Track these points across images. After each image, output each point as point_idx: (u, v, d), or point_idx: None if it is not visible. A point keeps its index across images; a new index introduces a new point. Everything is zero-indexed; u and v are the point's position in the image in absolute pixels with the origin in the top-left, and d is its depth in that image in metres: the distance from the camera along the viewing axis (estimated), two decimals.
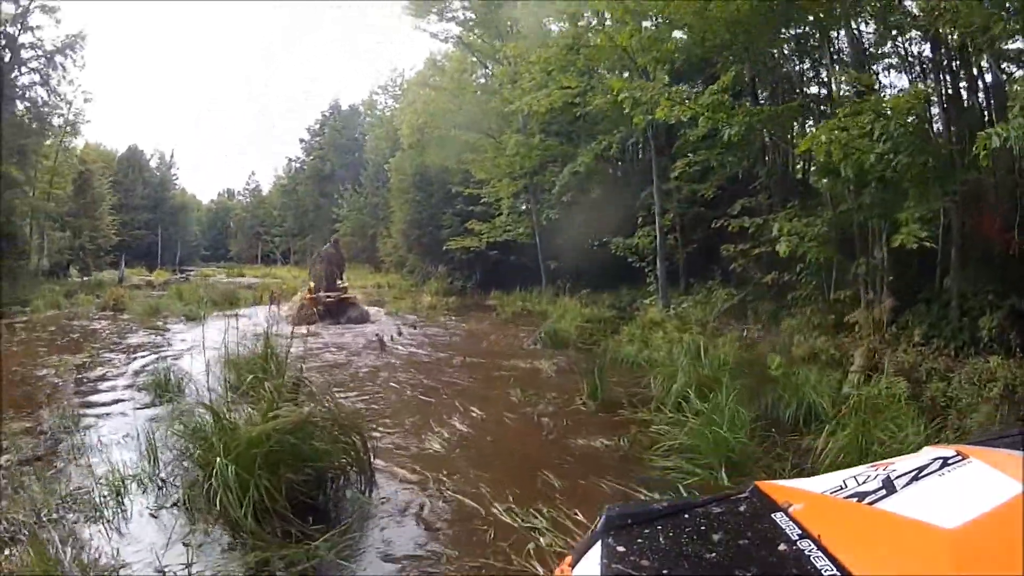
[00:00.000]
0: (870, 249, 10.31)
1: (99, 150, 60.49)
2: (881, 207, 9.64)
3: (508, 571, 4.43)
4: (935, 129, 10.89)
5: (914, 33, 11.48)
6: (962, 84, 10.88)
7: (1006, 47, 10.37)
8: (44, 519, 4.61)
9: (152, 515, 4.79)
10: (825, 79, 13.47)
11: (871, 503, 1.54)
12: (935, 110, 11.08)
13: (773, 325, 11.86)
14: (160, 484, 5.15)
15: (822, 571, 1.32)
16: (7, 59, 26.95)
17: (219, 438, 4.78)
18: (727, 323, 12.84)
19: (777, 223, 10.83)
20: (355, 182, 47.84)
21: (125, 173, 64.29)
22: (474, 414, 8.00)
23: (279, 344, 7.81)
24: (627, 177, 22.74)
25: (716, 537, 1.60)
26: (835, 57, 12.27)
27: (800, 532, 1.48)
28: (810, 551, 1.39)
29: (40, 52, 29.51)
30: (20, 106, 28.92)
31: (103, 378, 9.93)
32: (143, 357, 11.60)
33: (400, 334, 15.81)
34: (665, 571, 1.51)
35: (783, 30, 13.04)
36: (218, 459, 4.52)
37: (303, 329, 15.74)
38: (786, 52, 13.78)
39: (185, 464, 5.08)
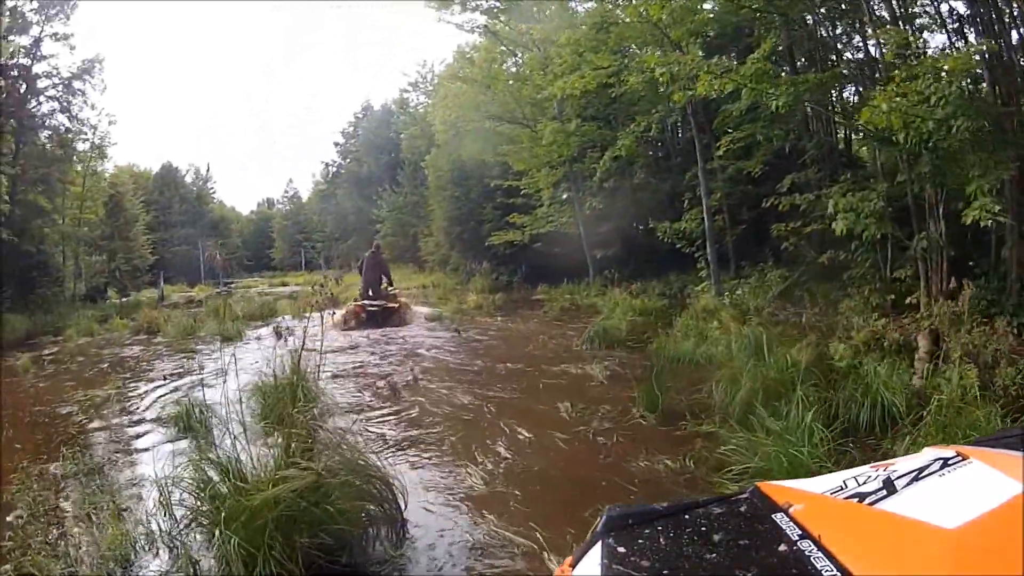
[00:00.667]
0: (927, 223, 9.75)
1: (132, 171, 62.42)
2: (939, 176, 9.15)
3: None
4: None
5: None
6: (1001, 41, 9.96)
7: None
8: None
9: None
10: (860, 43, 12.80)
11: (871, 503, 1.56)
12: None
13: (829, 307, 11.11)
14: (171, 545, 4.74)
15: (822, 571, 1.34)
16: (23, 90, 27.54)
17: (224, 501, 4.43)
18: (782, 307, 12.18)
19: (832, 199, 10.25)
20: (393, 182, 47.96)
21: (161, 191, 65.88)
22: (521, 436, 7.48)
23: (309, 362, 7.60)
24: (667, 159, 22.52)
25: (717, 538, 1.63)
26: (873, 18, 11.47)
27: (800, 532, 1.50)
28: (810, 551, 1.42)
29: (57, 80, 29.91)
30: (42, 136, 29.56)
31: (127, 411, 9.69)
32: (170, 386, 11.27)
33: (459, 332, 16.16)
34: (665, 571, 1.53)
35: None
36: (218, 530, 4.21)
37: (342, 339, 15.84)
38: (820, 16, 13.13)
39: (195, 525, 4.67)
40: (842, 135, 14.94)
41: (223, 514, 4.25)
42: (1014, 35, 10.23)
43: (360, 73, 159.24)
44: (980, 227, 8.67)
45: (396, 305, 19.40)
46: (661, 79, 11.63)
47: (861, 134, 12.74)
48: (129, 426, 8.74)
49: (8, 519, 5.51)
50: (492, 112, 25.50)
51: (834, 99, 13.68)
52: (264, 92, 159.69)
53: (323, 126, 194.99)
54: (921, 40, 11.26)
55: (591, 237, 23.36)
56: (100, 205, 35.91)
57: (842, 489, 1.70)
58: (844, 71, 12.43)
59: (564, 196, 24.76)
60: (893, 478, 1.66)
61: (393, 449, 7.03)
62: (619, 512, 1.75)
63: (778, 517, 1.60)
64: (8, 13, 26.42)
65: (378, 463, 5.10)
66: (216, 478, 4.59)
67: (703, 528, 1.67)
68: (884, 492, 1.59)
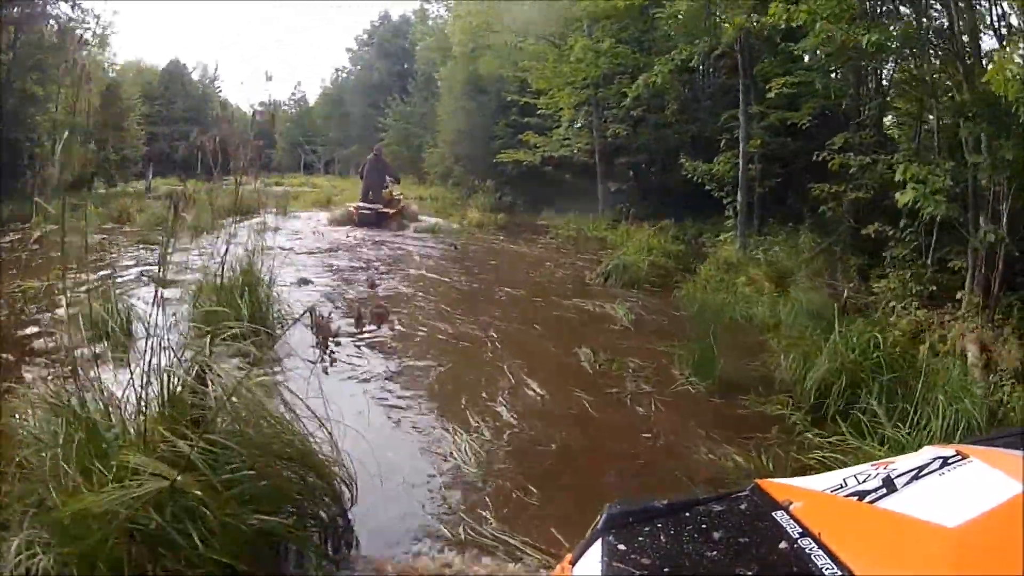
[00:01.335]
0: (987, 215, 8.77)
1: (139, 66, 62.62)
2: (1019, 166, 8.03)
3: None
4: None
5: None
6: None
7: None
8: None
9: None
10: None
11: (872, 502, 1.55)
12: None
13: (862, 283, 10.42)
14: None
15: (823, 569, 1.32)
16: None
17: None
18: (813, 275, 10.97)
19: (902, 165, 9.03)
20: (402, 91, 46.99)
21: (166, 87, 64.54)
22: (531, 391, 5.86)
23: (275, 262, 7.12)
24: (696, 101, 21.33)
25: (717, 535, 1.61)
26: None
27: (801, 530, 1.48)
28: (811, 549, 1.40)
29: None
30: (43, 25, 28.71)
31: (52, 306, 7.81)
32: (116, 282, 9.81)
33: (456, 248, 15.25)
34: (666, 569, 1.52)
35: None
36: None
37: (325, 240, 14.61)
38: None
39: None
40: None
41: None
42: None
43: None
44: None
45: (392, 210, 19.28)
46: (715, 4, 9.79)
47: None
48: (40, 326, 7.28)
49: None
50: (517, 26, 24.25)
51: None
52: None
53: (338, 32, 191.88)
54: None
55: (606, 169, 22.49)
56: (96, 94, 34.18)
57: (842, 487, 1.68)
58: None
59: (581, 122, 23.92)
60: (893, 476, 1.64)
61: (350, 399, 5.26)
62: (619, 509, 1.72)
63: (778, 515, 1.58)
64: None
65: (318, 427, 3.57)
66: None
67: (703, 526, 1.65)
68: (884, 490, 1.58)
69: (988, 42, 9.55)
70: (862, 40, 9.35)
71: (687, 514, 1.72)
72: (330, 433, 3.50)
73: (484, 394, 5.64)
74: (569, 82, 21.87)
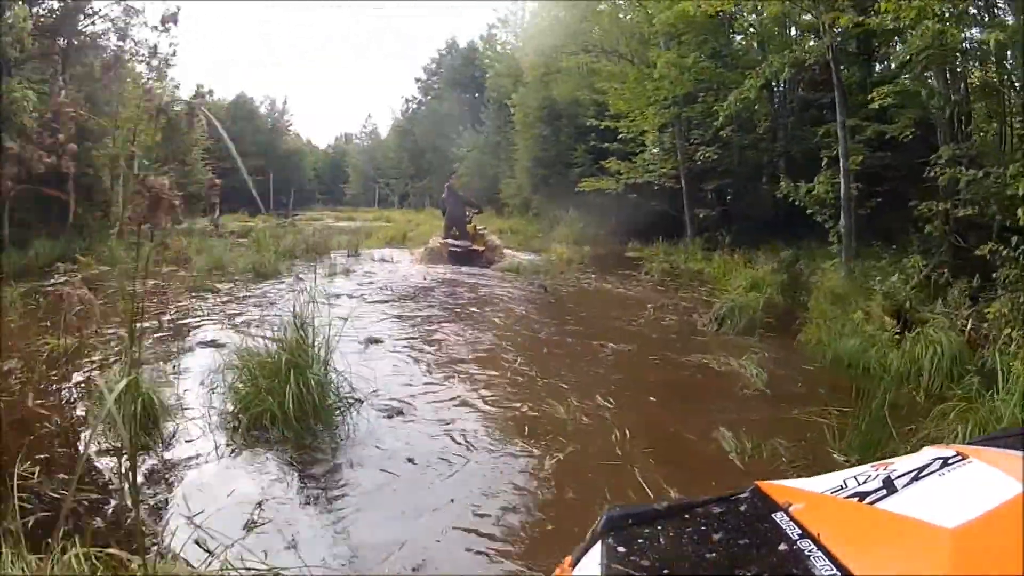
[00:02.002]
0: None
1: (205, 100, 59.87)
2: None
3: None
4: None
5: None
6: None
7: None
8: None
9: None
10: None
11: (871, 503, 1.57)
12: None
13: (973, 309, 9.09)
14: None
15: (822, 571, 1.34)
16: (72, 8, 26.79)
17: None
18: (923, 302, 9.96)
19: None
20: (475, 120, 47.25)
21: (234, 121, 66.14)
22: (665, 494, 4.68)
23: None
24: (778, 115, 20.37)
25: (716, 537, 1.64)
26: None
27: (800, 532, 1.50)
28: (810, 551, 1.42)
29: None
30: (90, 56, 28.51)
31: (65, 376, 7.31)
32: (148, 345, 8.72)
33: (546, 290, 14.26)
34: (665, 571, 1.56)
35: None
36: None
37: (404, 282, 14.02)
38: None
39: None
40: None
41: None
42: None
43: (447, 8, 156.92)
44: None
45: (482, 247, 19.11)
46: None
47: None
48: (49, 399, 6.50)
49: None
50: (592, 44, 23.97)
51: None
52: (349, 27, 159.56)
53: (406, 62, 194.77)
54: None
55: (693, 193, 21.80)
56: (156, 128, 33.99)
57: (842, 488, 1.70)
58: None
59: (668, 144, 22.89)
60: (893, 477, 1.65)
61: (432, 518, 4.41)
62: (619, 512, 1.76)
63: (778, 516, 1.60)
64: None
65: None
66: None
67: (703, 528, 1.68)
68: (884, 491, 1.58)
69: None
70: (988, 39, 8.96)
71: (687, 516, 1.74)
72: None
73: (602, 500, 4.44)
74: (652, 102, 21.24)
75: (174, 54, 35.07)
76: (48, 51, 25.30)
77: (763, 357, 8.28)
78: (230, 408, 5.70)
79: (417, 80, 67.98)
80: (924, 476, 1.62)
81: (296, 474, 4.81)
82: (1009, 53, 10.46)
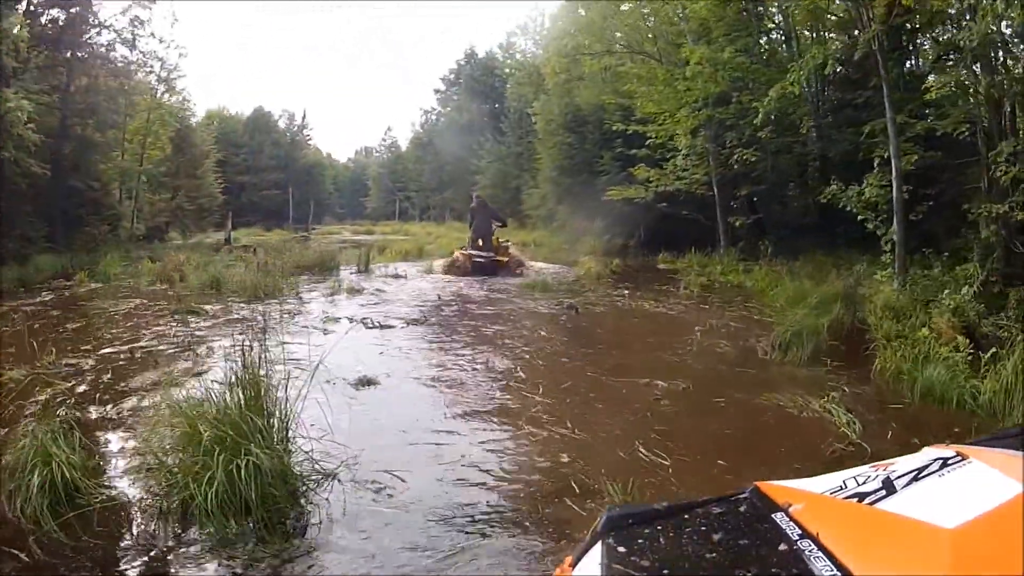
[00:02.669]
0: None
1: (222, 114, 66.47)
2: None
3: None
4: None
5: None
6: None
7: None
8: None
9: None
10: None
11: (871, 503, 1.57)
12: None
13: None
14: None
15: (822, 571, 1.34)
16: (77, 20, 26.75)
17: None
18: (982, 314, 9.27)
19: None
20: (495, 131, 46.94)
21: (251, 135, 68.87)
22: None
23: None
24: (812, 115, 19.17)
25: (716, 537, 1.63)
26: None
27: (800, 532, 1.50)
28: (810, 551, 1.42)
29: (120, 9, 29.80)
30: (96, 66, 28.52)
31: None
32: (103, 376, 7.96)
33: (576, 311, 12.72)
34: (665, 571, 1.56)
35: None
36: None
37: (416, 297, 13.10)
38: None
39: None
40: None
41: None
42: None
43: (465, 16, 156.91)
44: None
45: (506, 258, 19.22)
46: None
47: None
48: None
49: None
50: (617, 44, 23.20)
51: None
52: (366, 37, 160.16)
53: (425, 72, 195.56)
54: None
55: (726, 200, 21.02)
56: (166, 141, 33.48)
57: (842, 489, 1.70)
58: None
59: (699, 148, 21.65)
60: (892, 478, 1.65)
61: None
62: (619, 512, 1.76)
63: (778, 517, 1.59)
64: None
65: None
66: None
67: (703, 528, 1.68)
68: (884, 492, 1.59)
69: None
70: None
71: (686, 516, 1.74)
72: None
73: None
74: (684, 103, 20.36)
75: (177, 66, 35.49)
76: (53, 62, 24.83)
77: (844, 395, 6.83)
78: (157, 487, 4.58)
79: (436, 91, 68.55)
80: (924, 476, 1.62)
81: None
82: None
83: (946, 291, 10.62)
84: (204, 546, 3.99)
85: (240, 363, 4.61)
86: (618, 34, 23.32)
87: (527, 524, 4.26)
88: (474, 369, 8.44)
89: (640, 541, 1.62)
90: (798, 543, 1.43)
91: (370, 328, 11.06)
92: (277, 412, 4.63)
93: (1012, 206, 10.15)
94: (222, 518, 4.05)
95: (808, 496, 1.67)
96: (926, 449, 1.86)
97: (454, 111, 62.26)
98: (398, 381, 7.77)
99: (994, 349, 7.30)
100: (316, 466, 4.65)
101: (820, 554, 1.36)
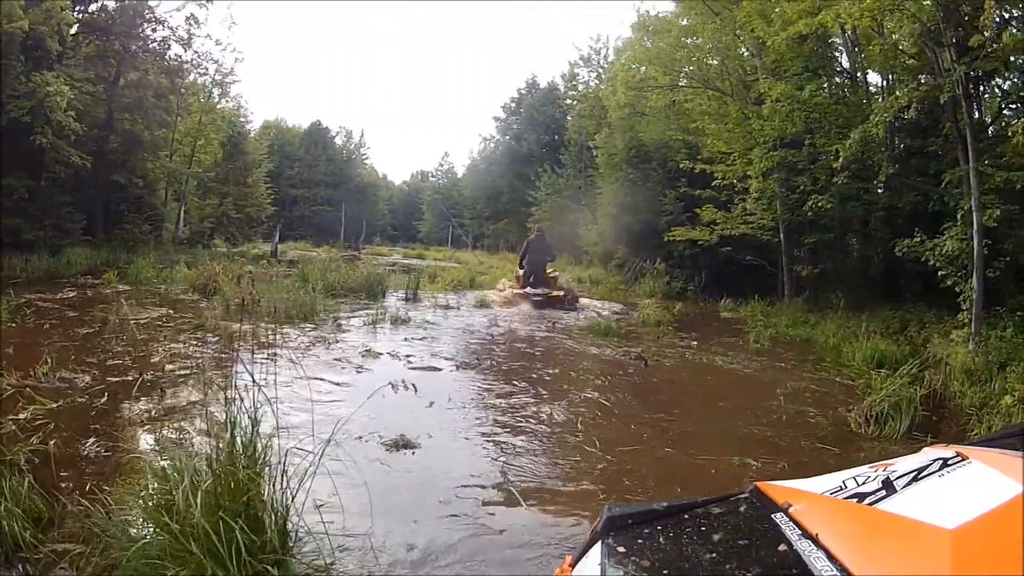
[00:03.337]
0: None
1: (279, 125, 68.07)
2: None
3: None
4: None
5: None
6: None
7: None
8: None
9: None
10: None
11: (871, 503, 1.58)
12: None
13: None
14: None
15: (822, 571, 1.36)
16: (132, 14, 26.99)
17: None
18: None
19: None
20: (554, 162, 46.21)
21: (307, 148, 70.14)
22: None
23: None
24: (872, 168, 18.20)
25: (716, 537, 1.67)
26: None
27: (800, 532, 1.53)
28: (810, 551, 1.44)
29: (176, 5, 32.10)
30: (148, 62, 28.55)
31: None
32: (97, 400, 7.06)
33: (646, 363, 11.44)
34: (665, 571, 1.58)
35: None
36: None
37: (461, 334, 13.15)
38: None
39: None
40: None
41: None
42: None
43: (528, 46, 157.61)
44: None
45: (561, 293, 18.96)
46: None
47: None
48: None
49: None
50: (688, 75, 22.43)
51: None
52: (429, 63, 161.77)
53: (485, 100, 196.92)
54: None
55: (792, 248, 20.50)
56: (217, 146, 33.31)
57: (841, 489, 1.71)
58: None
59: (769, 192, 20.76)
60: (892, 478, 1.67)
61: None
62: (619, 512, 1.78)
63: (778, 517, 1.62)
64: None
65: None
66: None
67: (703, 528, 1.71)
68: (883, 492, 1.60)
69: None
70: None
71: (686, 516, 1.76)
72: None
73: None
74: (757, 143, 19.59)
75: (233, 70, 36.49)
76: (105, 52, 25.47)
77: None
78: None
79: (495, 119, 67.48)
80: (924, 477, 1.63)
81: None
82: None
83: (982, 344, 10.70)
84: None
85: (220, 441, 3.81)
86: (688, 68, 22.68)
87: None
88: (531, 430, 7.44)
89: (640, 541, 1.66)
90: (798, 543, 1.46)
91: (413, 369, 10.01)
92: (270, 507, 3.69)
93: None
94: None
95: (808, 496, 1.71)
96: (926, 449, 1.88)
97: (513, 140, 61.87)
98: (442, 441, 6.71)
99: None
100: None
101: (820, 554, 1.39)
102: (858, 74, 19.31)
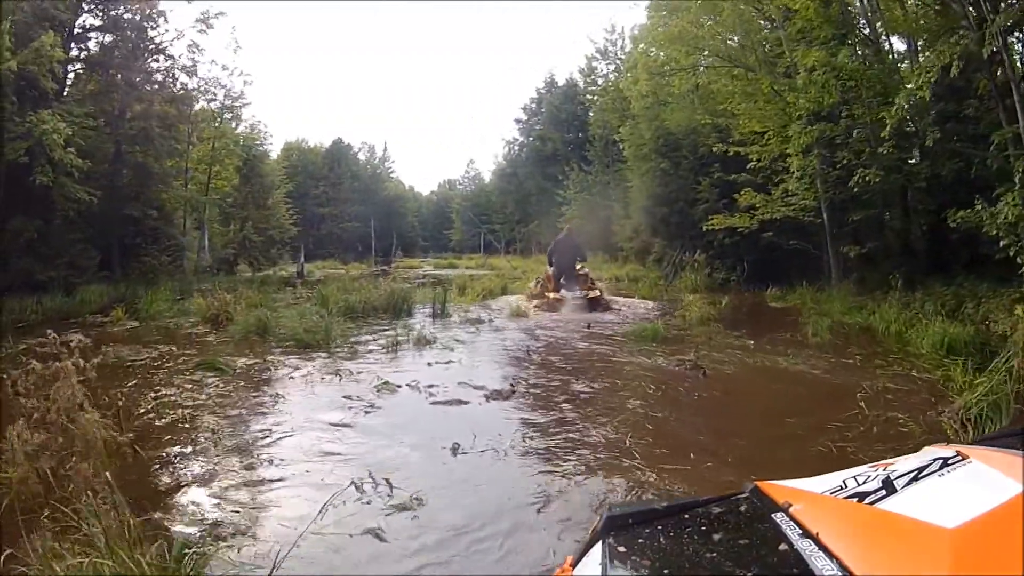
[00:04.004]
0: None
1: (300, 146, 68.14)
2: None
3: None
4: None
5: None
6: None
7: None
8: None
9: None
10: None
11: (871, 503, 1.56)
12: None
13: None
14: None
15: (823, 571, 1.34)
16: (131, 47, 26.31)
17: None
18: None
19: None
20: (581, 160, 46.16)
21: (330, 167, 70.57)
22: None
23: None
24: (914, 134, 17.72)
25: (717, 537, 1.64)
26: None
27: (800, 532, 1.50)
28: (810, 551, 1.41)
29: (175, 34, 28.96)
30: (149, 90, 28.01)
31: None
32: (46, 464, 5.36)
33: (704, 373, 10.01)
34: (666, 571, 1.58)
35: None
36: None
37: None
38: None
39: None
40: None
41: None
42: None
43: (544, 45, 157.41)
44: None
45: (597, 292, 18.36)
46: None
47: None
48: None
49: None
50: (711, 53, 21.53)
51: None
52: (446, 68, 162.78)
53: (506, 103, 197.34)
54: None
55: (838, 227, 19.37)
56: (232, 171, 32.88)
57: (842, 488, 1.69)
58: None
59: (809, 170, 19.68)
60: (893, 478, 1.64)
61: None
62: (619, 512, 1.75)
63: (778, 516, 1.58)
64: None
65: None
66: None
67: (703, 527, 1.68)
68: (884, 491, 1.58)
69: None
70: None
71: (687, 516, 1.73)
72: None
73: None
74: (793, 118, 18.58)
75: (243, 94, 35.52)
76: (105, 88, 25.22)
77: None
78: None
79: (517, 121, 67.23)
80: (924, 476, 1.62)
81: None
82: None
83: None
84: None
85: None
86: (711, 45, 21.68)
87: None
88: (577, 472, 5.83)
89: (640, 541, 1.64)
90: (798, 543, 1.44)
91: (435, 403, 8.45)
92: None
93: None
94: None
95: (808, 496, 1.68)
96: (926, 449, 1.87)
97: (537, 140, 61.75)
98: (453, 501, 5.19)
99: None
100: None
101: (820, 554, 1.36)
102: (881, 39, 18.61)
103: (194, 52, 30.13)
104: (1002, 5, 11.33)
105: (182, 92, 30.16)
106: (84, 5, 24.91)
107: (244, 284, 24.09)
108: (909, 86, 14.78)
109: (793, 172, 19.47)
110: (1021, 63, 13.68)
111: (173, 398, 8.68)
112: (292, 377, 10.00)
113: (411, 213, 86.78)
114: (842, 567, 1.30)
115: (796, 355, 11.52)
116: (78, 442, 5.05)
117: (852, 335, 13.45)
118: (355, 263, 50.65)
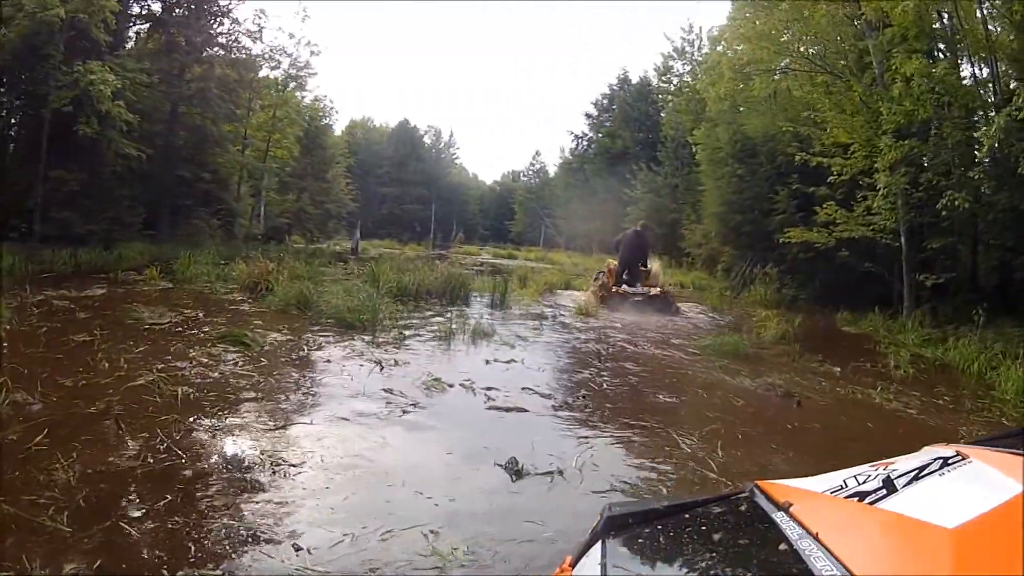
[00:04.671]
0: None
1: (365, 124, 70.00)
2: None
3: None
4: None
5: None
6: None
7: None
8: None
9: None
10: None
11: (872, 502, 1.57)
12: None
13: None
14: None
15: (823, 570, 1.35)
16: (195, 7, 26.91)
17: None
18: None
19: None
20: (651, 160, 45.42)
21: (395, 147, 71.49)
22: None
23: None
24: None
25: (717, 537, 1.65)
26: None
27: (801, 531, 1.51)
28: (811, 550, 1.42)
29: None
30: (213, 56, 28.39)
31: None
32: (32, 437, 5.19)
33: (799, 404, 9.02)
34: (666, 571, 1.61)
35: None
36: None
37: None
38: None
39: None
40: None
41: None
42: None
43: (617, 38, 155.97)
44: None
45: (659, 290, 18.10)
46: None
47: None
48: None
49: None
50: (798, 55, 20.77)
51: None
52: (519, 58, 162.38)
53: (576, 97, 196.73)
54: None
55: (914, 252, 18.24)
56: (293, 140, 32.84)
57: (842, 488, 1.70)
58: None
59: (894, 188, 18.43)
60: (893, 477, 1.66)
61: None
62: (619, 511, 1.77)
63: (778, 516, 1.59)
64: None
65: None
66: None
67: (703, 527, 1.69)
68: (884, 491, 1.59)
69: None
70: None
71: (687, 516, 1.75)
72: None
73: None
74: (883, 131, 17.49)
75: (308, 64, 35.50)
76: (168, 47, 25.40)
77: None
78: None
79: (587, 116, 67.35)
80: (924, 476, 1.63)
81: None
82: None
83: None
84: None
85: None
86: (800, 48, 21.07)
87: None
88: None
89: (640, 540, 1.67)
90: (798, 542, 1.44)
91: (492, 408, 7.55)
92: None
93: None
94: None
95: (808, 495, 1.70)
96: (926, 448, 1.88)
97: (606, 138, 61.47)
98: (504, 531, 4.44)
99: None
100: None
101: (821, 553, 1.37)
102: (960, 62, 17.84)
103: (260, 18, 30.24)
104: None
105: (245, 57, 30.24)
106: None
107: (293, 255, 22.92)
108: (1009, 108, 13.82)
109: (880, 189, 18.27)
110: None
111: (183, 371, 7.74)
112: (328, 360, 9.23)
113: (473, 201, 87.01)
114: (842, 567, 1.29)
115: (887, 390, 10.46)
116: None
117: (930, 370, 12.52)
118: (413, 244, 50.81)
